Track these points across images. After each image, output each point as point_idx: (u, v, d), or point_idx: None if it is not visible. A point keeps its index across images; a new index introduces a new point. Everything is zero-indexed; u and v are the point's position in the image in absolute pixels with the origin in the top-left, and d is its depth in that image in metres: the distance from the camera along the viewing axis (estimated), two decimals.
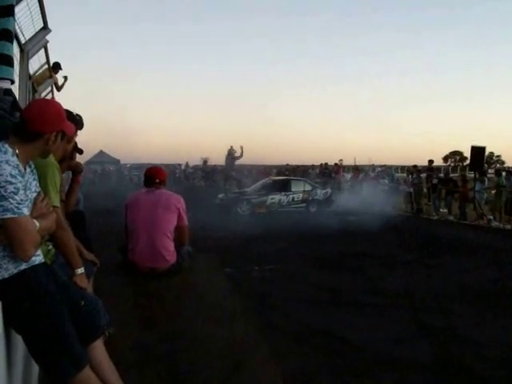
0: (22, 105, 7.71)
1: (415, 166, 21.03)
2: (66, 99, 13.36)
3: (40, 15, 7.15)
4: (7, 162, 2.30)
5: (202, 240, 10.19)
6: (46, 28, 7.56)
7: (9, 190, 2.26)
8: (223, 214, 16.47)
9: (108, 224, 11.06)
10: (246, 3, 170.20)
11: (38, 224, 2.40)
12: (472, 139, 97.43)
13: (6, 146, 2.36)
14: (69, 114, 3.02)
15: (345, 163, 32.52)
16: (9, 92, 3.20)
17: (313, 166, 32.61)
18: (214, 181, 37.20)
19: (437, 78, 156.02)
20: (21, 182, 2.34)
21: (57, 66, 11.69)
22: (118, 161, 60.17)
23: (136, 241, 4.78)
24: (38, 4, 6.76)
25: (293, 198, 18.98)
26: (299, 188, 19.34)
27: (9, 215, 2.25)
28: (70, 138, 3.14)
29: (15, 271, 2.38)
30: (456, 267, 8.81)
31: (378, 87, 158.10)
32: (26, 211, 2.32)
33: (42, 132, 2.46)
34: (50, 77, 11.56)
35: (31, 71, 9.16)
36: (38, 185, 2.61)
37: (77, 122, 3.47)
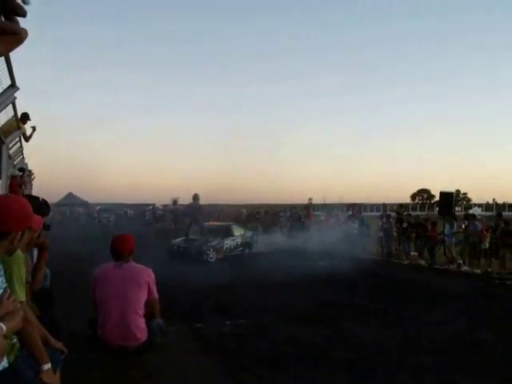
0: None
1: (385, 209, 21.27)
2: (35, 146, 13.27)
3: (7, 73, 7.09)
4: None
5: (172, 290, 10.05)
6: (13, 86, 7.50)
7: None
8: (185, 261, 16.07)
9: (76, 273, 10.81)
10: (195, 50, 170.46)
11: (4, 327, 2.28)
12: (439, 177, 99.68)
13: None
14: (35, 204, 2.94)
15: (314, 201, 32.74)
16: None
17: (285, 209, 32.72)
18: (183, 223, 36.96)
19: (404, 116, 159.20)
20: None
21: (25, 117, 11.56)
22: (87, 202, 59.70)
23: (106, 318, 4.66)
24: (5, 63, 6.70)
25: (237, 242, 19.69)
26: (238, 232, 20.17)
27: None
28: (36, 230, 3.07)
29: None
30: (429, 318, 8.79)
31: (350, 125, 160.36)
32: None
33: (6, 232, 2.35)
34: (18, 128, 11.44)
35: None
36: (4, 281, 2.51)
37: (43, 211, 3.40)
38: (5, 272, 2.57)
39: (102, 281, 4.75)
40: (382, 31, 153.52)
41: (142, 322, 4.67)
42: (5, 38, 3.14)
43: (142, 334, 4.63)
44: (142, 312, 4.70)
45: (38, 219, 2.85)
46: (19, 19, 3.51)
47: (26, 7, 3.67)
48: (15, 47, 3.23)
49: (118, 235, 5.01)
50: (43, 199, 3.44)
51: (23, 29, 3.19)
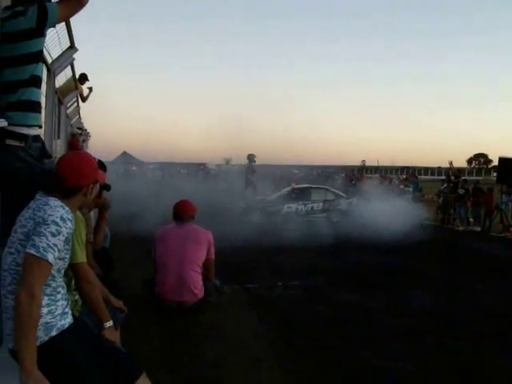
0: (50, 122, 7.80)
1: (447, 174, 20.42)
2: (90, 105, 13.48)
3: (67, 35, 7.16)
4: (62, 206, 2.36)
5: (225, 251, 10.15)
6: (72, 47, 7.58)
7: (49, 230, 2.25)
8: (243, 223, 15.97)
9: (131, 231, 11.06)
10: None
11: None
12: (495, 141, 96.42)
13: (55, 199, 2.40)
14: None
15: (367, 163, 32.08)
16: (37, 138, 3.19)
17: (338, 170, 32.50)
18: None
19: (460, 83, 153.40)
20: (67, 228, 2.34)
21: (83, 78, 11.75)
22: (142, 162, 60.63)
23: (164, 274, 4.78)
24: (64, 24, 6.74)
25: (312, 207, 17.91)
26: (320, 197, 18.27)
27: (32, 251, 2.23)
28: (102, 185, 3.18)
29: (46, 339, 2.36)
30: (483, 287, 8.62)
31: (401, 89, 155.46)
32: (50, 257, 2.26)
33: (79, 186, 2.49)
34: (76, 88, 11.64)
35: (57, 85, 9.21)
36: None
37: (104, 167, 3.51)
38: None
39: (161, 240, 4.89)
40: None
41: (199, 280, 4.79)
42: (67, 2, 3.18)
43: (198, 290, 4.74)
44: (199, 270, 4.80)
45: (102, 174, 2.98)
46: None
47: None
48: (78, 11, 3.27)
49: (181, 200, 5.11)
50: (99, 160, 3.52)
51: None
